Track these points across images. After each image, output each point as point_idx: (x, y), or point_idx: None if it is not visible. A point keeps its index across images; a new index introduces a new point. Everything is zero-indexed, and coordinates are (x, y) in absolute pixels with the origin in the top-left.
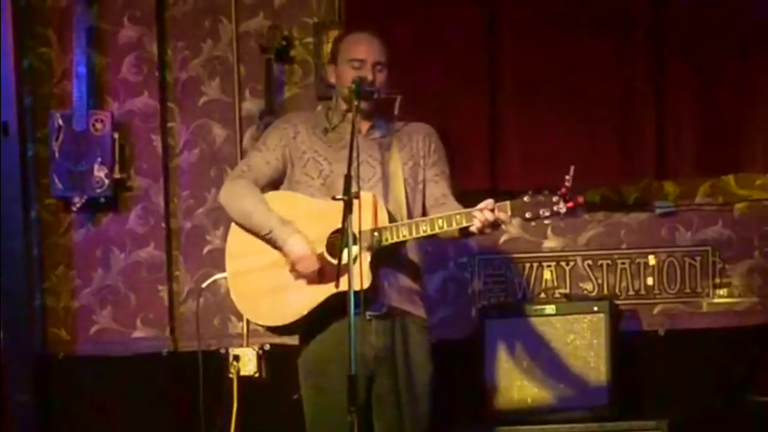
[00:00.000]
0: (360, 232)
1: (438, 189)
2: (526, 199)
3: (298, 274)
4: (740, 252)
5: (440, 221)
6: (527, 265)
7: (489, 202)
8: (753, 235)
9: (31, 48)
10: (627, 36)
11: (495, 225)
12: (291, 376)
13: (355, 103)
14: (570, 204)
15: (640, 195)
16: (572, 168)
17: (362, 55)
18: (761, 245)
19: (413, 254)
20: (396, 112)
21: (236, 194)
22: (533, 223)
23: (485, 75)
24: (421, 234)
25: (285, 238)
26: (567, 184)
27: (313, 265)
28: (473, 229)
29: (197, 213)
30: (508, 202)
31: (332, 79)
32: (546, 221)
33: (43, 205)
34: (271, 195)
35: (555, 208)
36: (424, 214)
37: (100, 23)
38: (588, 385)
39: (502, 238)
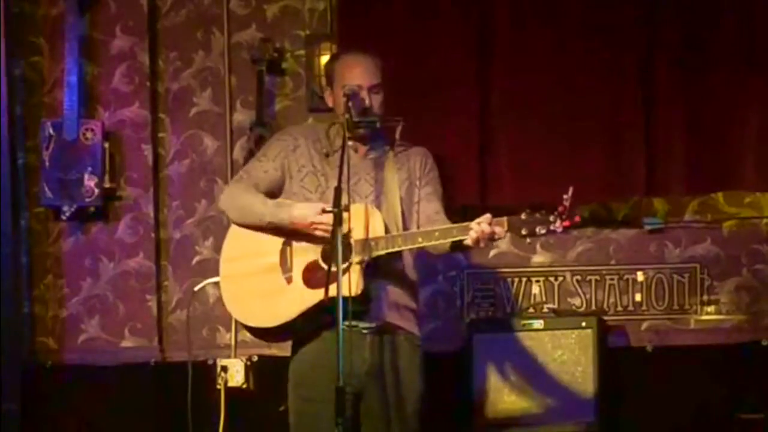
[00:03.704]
0: (352, 241)
1: (431, 207)
2: (523, 216)
3: (320, 240)
4: (728, 269)
5: (437, 233)
6: (516, 280)
7: (487, 217)
8: (741, 252)
9: (23, 56)
10: (617, 54)
11: (490, 238)
12: (278, 387)
13: (346, 116)
14: (567, 223)
15: (629, 211)
16: (571, 189)
17: (357, 81)
18: (749, 263)
19: (410, 272)
20: (397, 136)
21: (234, 196)
22: (528, 240)
23: (476, 92)
24: (417, 245)
25: (287, 214)
26: (565, 203)
27: (328, 219)
28: (468, 241)
29: (187, 223)
30: (505, 218)
31: (330, 103)
32: (541, 237)
33: (32, 214)
34: None
35: (552, 227)
36: None
37: (92, 33)
38: (575, 400)
39: (491, 253)
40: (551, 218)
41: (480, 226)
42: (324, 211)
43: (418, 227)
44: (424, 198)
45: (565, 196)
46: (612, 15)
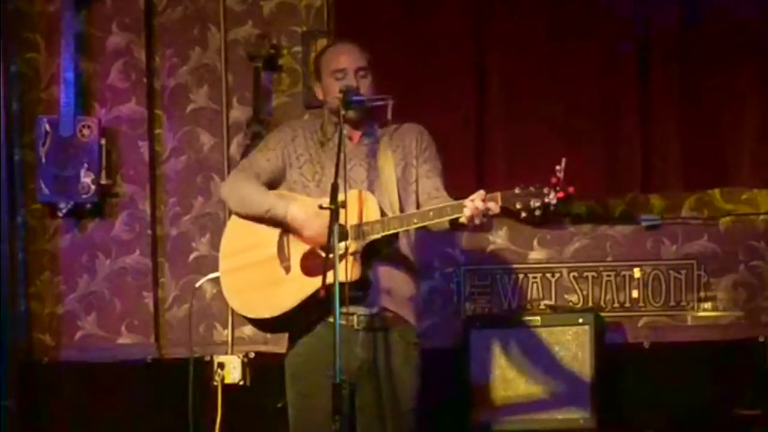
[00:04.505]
0: (348, 227)
1: (430, 184)
2: (516, 190)
3: (311, 242)
4: (725, 266)
5: (431, 213)
6: (513, 276)
7: (480, 193)
8: (738, 249)
9: (19, 53)
10: (613, 50)
11: (485, 215)
12: (276, 384)
13: (342, 112)
14: (561, 194)
15: (626, 208)
16: (564, 160)
17: (343, 65)
18: (746, 259)
19: (409, 257)
20: (389, 116)
21: (235, 185)
22: (524, 214)
23: (472, 88)
24: (413, 226)
25: (284, 210)
26: (558, 174)
27: (320, 224)
28: (463, 219)
29: (183, 220)
30: (498, 193)
31: (320, 96)
32: (536, 213)
33: (28, 211)
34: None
35: (546, 199)
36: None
37: (88, 29)
38: (572, 397)
39: (488, 248)
40: (545, 190)
41: (474, 203)
42: (321, 208)
43: (418, 206)
44: (423, 175)
45: (558, 167)
46: (609, 10)
